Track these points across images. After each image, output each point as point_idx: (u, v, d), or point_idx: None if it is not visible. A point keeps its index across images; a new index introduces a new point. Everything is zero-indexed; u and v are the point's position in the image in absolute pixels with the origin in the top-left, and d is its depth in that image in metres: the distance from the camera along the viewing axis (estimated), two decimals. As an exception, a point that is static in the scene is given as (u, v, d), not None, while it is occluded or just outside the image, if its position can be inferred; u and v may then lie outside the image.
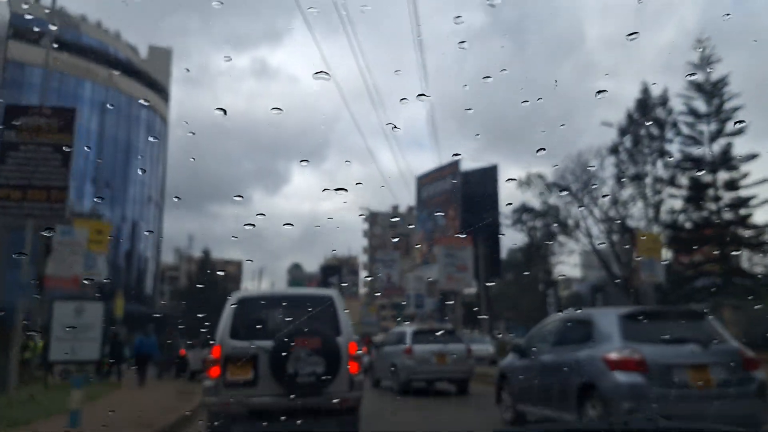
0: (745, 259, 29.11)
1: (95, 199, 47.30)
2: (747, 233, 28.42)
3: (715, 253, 27.77)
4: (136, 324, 23.22)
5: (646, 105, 31.67)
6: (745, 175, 28.32)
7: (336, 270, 67.23)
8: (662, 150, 31.48)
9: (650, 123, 31.09)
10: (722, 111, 28.30)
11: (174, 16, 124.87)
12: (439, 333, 15.94)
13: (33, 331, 13.59)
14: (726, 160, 28.20)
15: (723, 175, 28.52)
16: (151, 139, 59.90)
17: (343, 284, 62.93)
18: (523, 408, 8.63)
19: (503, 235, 39.93)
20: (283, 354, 6.58)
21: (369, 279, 74.12)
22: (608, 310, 8.49)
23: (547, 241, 39.52)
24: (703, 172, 28.34)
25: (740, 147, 32.48)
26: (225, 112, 5.67)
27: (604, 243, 34.58)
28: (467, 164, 42.67)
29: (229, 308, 7.14)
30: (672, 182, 30.83)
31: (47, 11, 16.63)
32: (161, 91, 63.26)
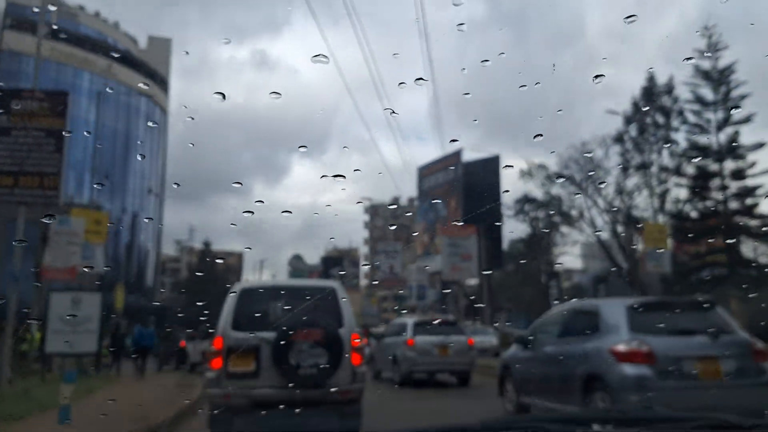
0: (752, 249, 28.87)
1: (95, 185, 47.00)
2: (753, 223, 28.16)
3: (721, 243, 27.53)
4: (137, 316, 23.10)
5: (651, 93, 31.31)
6: (752, 165, 28.06)
7: (337, 261, 67.12)
8: (668, 138, 31.10)
9: (654, 110, 30.72)
10: (729, 99, 27.92)
11: (173, 7, 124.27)
12: (440, 324, 15.85)
13: (31, 320, 13.40)
14: (733, 149, 27.89)
15: (730, 165, 28.23)
16: (150, 124, 59.52)
17: (342, 272, 62.78)
18: (527, 400, 8.49)
19: (503, 224, 39.73)
20: (286, 345, 6.56)
21: (369, 267, 74.10)
22: (615, 300, 8.34)
23: (548, 231, 39.33)
24: (709, 160, 28.06)
25: (748, 136, 32.21)
26: (224, 96, 5.50)
27: (601, 231, 34.25)
28: (469, 155, 42.52)
29: (231, 299, 7.08)
30: (678, 171, 30.53)
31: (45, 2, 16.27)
32: (160, 81, 62.93)
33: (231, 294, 7.20)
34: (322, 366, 6.59)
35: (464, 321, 33.50)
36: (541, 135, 6.57)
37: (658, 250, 23.87)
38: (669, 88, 30.97)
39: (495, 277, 43.79)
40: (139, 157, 53.40)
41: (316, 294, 7.38)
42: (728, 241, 26.83)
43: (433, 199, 44.13)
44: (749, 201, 28.07)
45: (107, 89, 50.11)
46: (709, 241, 28.01)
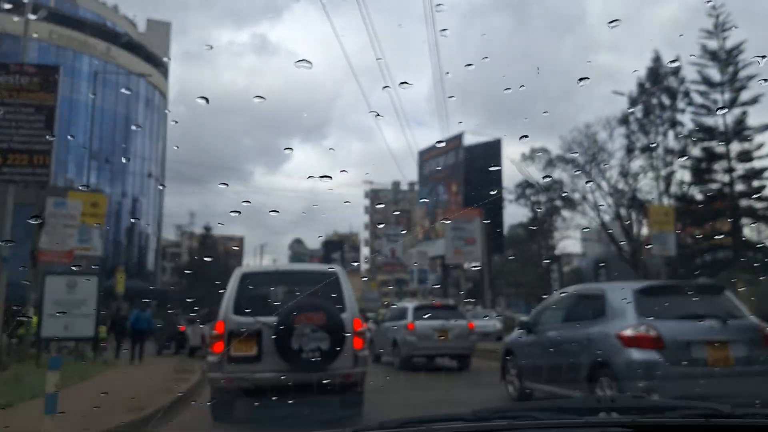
0: (758, 231, 28.59)
1: (105, 160, 46.46)
2: (760, 205, 27.86)
3: (727, 225, 27.28)
4: (138, 300, 22.98)
5: (657, 73, 30.81)
6: (759, 146, 27.74)
7: (338, 246, 66.96)
8: (674, 120, 30.68)
9: (660, 91, 30.24)
10: (737, 79, 27.51)
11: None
12: (440, 308, 15.82)
13: (17, 306, 13.20)
14: (740, 131, 27.52)
15: (736, 146, 27.92)
16: (154, 93, 58.78)
17: (342, 257, 62.62)
18: (530, 385, 8.34)
19: (504, 208, 39.49)
20: (288, 329, 6.56)
21: (371, 253, 74.01)
22: (621, 284, 8.16)
23: (550, 216, 39.15)
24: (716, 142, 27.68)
25: (755, 117, 31.65)
26: (207, 100, 5.43)
27: (605, 215, 33.93)
28: (469, 139, 42.19)
29: (233, 284, 7.08)
30: (683, 153, 30.16)
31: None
32: (160, 65, 62.41)
33: (233, 278, 7.20)
34: (324, 350, 6.59)
35: (465, 305, 33.37)
36: (527, 136, 6.44)
37: (665, 233, 23.55)
38: (675, 69, 30.50)
39: (495, 262, 43.64)
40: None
41: (319, 279, 7.42)
42: (734, 223, 26.58)
43: (434, 183, 43.86)
44: (756, 183, 27.78)
45: (106, 73, 49.62)
46: (715, 224, 27.77)
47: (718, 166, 28.19)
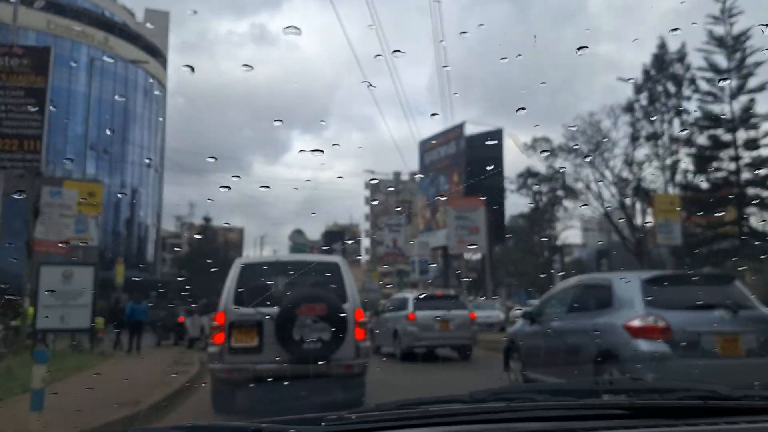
0: (765, 220, 28.27)
1: (104, 150, 46.06)
2: (766, 194, 27.52)
3: (733, 214, 26.99)
4: (137, 291, 22.82)
5: (662, 60, 30.36)
6: (766, 134, 27.35)
7: (339, 236, 66.70)
8: (679, 107, 30.26)
9: (665, 78, 29.81)
10: (744, 66, 27.06)
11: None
12: (441, 298, 15.71)
13: (10, 295, 12.99)
14: (747, 118, 27.16)
15: (743, 134, 27.52)
16: (152, 84, 58.40)
17: (344, 246, 62.40)
18: (534, 377, 8.15)
19: (505, 198, 39.20)
20: (289, 320, 6.55)
21: (371, 242, 73.86)
22: (628, 274, 7.98)
23: (552, 206, 38.90)
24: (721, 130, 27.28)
25: (763, 104, 31.17)
26: (192, 69, 5.22)
27: (609, 205, 33.60)
28: (471, 128, 41.88)
29: (233, 275, 7.08)
30: (689, 141, 29.81)
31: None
32: (159, 55, 61.98)
33: (233, 269, 7.17)
34: (325, 341, 6.58)
35: (467, 296, 33.23)
36: (524, 108, 6.31)
37: (670, 222, 23.28)
38: (681, 55, 30.05)
39: (495, 252, 43.46)
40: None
41: (320, 269, 7.42)
42: (740, 212, 26.33)
43: (436, 173, 43.57)
44: (763, 171, 27.44)
45: (104, 60, 49.23)
46: (720, 213, 27.48)
47: (725, 154, 27.84)
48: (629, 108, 31.13)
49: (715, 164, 28.23)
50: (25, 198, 12.53)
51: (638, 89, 30.85)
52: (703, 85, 28.79)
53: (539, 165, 37.81)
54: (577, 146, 32.83)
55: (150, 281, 42.89)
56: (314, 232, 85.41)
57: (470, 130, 41.94)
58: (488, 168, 34.82)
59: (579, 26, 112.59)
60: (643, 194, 31.02)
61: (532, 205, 40.86)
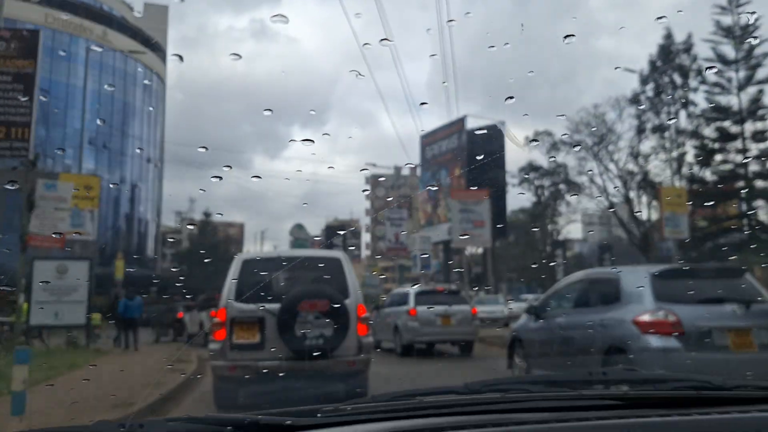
0: None
1: (103, 145, 45.74)
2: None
3: (741, 207, 26.68)
4: (134, 286, 22.62)
5: (669, 50, 29.89)
6: None
7: (341, 231, 66.35)
8: (686, 99, 29.81)
9: (671, 69, 29.36)
10: (752, 57, 26.66)
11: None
12: (442, 293, 15.52)
13: (3, 287, 12.73)
14: (755, 110, 26.76)
15: (750, 126, 27.15)
16: (147, 82, 58.20)
17: (344, 241, 62.15)
18: (538, 373, 7.94)
19: (507, 192, 38.90)
20: (291, 316, 6.52)
21: (372, 237, 73.60)
22: (637, 268, 7.78)
23: (554, 200, 38.64)
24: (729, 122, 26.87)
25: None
26: (181, 58, 4.97)
27: (613, 198, 33.25)
28: (472, 122, 41.52)
29: (234, 270, 7.02)
30: (696, 133, 29.42)
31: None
32: (158, 49, 61.67)
33: (233, 265, 7.12)
34: (327, 337, 6.55)
35: (469, 291, 32.98)
36: (512, 97, 6.08)
37: (677, 215, 22.91)
38: (687, 46, 29.58)
39: (497, 247, 43.22)
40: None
41: (322, 264, 7.37)
42: (748, 205, 26.00)
43: (437, 167, 43.24)
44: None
45: (97, 49, 48.90)
46: (728, 205, 27.16)
47: (732, 146, 27.47)
48: (635, 99, 30.72)
49: (722, 156, 27.87)
50: (18, 190, 12.28)
51: (644, 80, 30.41)
52: (711, 76, 28.34)
53: (541, 159, 37.57)
54: (567, 134, 32.47)
55: (148, 277, 42.70)
56: (315, 227, 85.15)
57: (471, 124, 41.62)
58: (489, 161, 34.51)
59: (581, 20, 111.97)
60: (649, 187, 30.66)
61: (534, 199, 40.64)
